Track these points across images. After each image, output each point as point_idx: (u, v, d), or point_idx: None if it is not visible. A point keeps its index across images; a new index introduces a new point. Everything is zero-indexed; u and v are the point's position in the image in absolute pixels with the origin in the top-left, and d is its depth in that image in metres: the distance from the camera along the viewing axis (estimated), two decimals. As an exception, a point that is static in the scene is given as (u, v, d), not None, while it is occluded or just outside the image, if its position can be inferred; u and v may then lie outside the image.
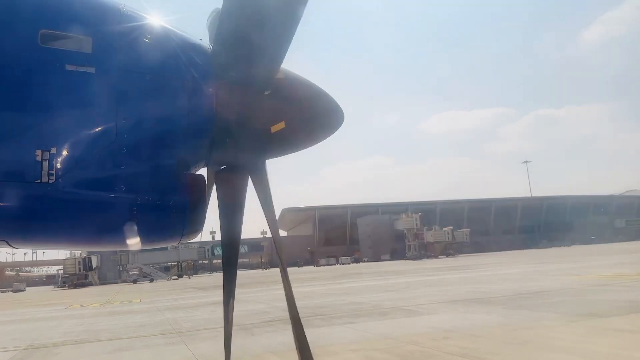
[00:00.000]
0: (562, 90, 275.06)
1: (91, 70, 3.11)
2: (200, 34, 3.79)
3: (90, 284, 79.31)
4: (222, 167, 3.98)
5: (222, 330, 4.15)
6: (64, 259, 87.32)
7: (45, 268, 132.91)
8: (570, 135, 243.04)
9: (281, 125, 3.84)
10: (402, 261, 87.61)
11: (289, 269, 4.00)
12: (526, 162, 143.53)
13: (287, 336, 11.34)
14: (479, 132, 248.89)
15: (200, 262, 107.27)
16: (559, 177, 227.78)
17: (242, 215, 3.90)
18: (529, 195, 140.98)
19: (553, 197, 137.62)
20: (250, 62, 3.51)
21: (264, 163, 3.84)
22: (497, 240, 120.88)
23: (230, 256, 3.99)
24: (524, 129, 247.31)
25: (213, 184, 3.94)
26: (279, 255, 3.89)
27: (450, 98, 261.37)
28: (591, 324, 9.90)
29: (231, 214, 3.85)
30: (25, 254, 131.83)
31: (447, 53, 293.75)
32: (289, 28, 3.41)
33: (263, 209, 3.77)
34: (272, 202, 3.78)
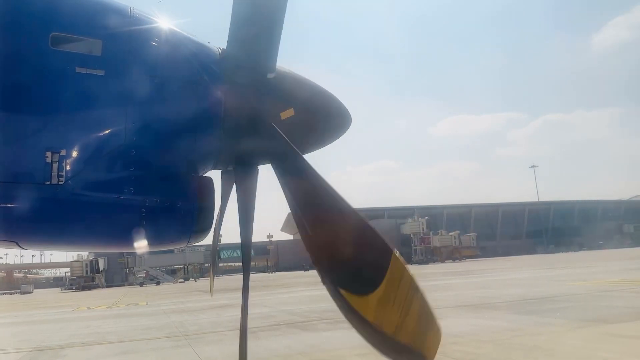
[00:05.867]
0: (572, 94, 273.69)
1: (101, 73, 3.14)
2: (208, 37, 3.81)
3: (97, 287, 79.52)
4: (228, 170, 4.00)
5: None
6: (71, 262, 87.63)
7: (53, 270, 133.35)
8: (579, 140, 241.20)
9: (290, 112, 3.83)
10: (408, 265, 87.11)
11: (294, 273, 4.02)
12: (533, 166, 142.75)
13: (293, 340, 11.34)
14: (488, 137, 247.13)
15: (207, 265, 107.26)
16: (567, 182, 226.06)
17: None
18: (536, 200, 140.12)
19: (561, 202, 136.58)
20: (259, 65, 3.53)
21: (257, 167, 3.88)
22: (504, 245, 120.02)
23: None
24: (533, 134, 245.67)
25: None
26: (244, 261, 3.90)
27: (460, 102, 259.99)
28: (599, 330, 9.82)
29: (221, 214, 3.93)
30: (33, 256, 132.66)
31: (457, 57, 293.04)
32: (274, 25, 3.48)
33: (243, 212, 3.80)
34: (253, 207, 3.81)
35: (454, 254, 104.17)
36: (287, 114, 3.81)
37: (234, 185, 3.87)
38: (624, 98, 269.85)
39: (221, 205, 3.94)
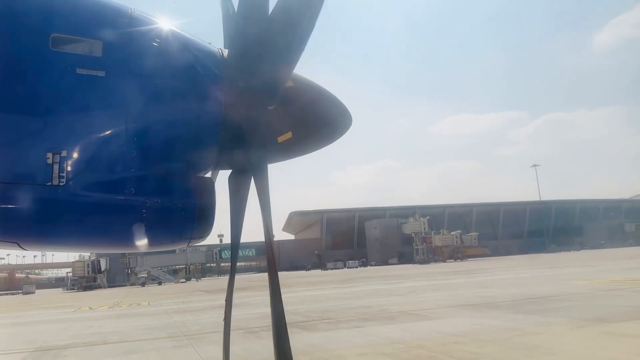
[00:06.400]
0: (574, 93, 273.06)
1: (101, 74, 3.14)
2: (209, 37, 3.81)
3: (98, 287, 79.55)
4: (231, 170, 3.99)
5: (231, 333, 4.13)
6: (73, 262, 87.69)
7: (55, 271, 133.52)
8: (581, 139, 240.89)
9: (288, 135, 3.86)
10: (410, 265, 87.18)
11: (296, 273, 4.01)
12: (535, 165, 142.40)
13: (295, 340, 11.30)
14: (489, 136, 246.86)
15: (208, 265, 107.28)
16: (568, 181, 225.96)
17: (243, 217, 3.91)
18: (538, 199, 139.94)
19: (562, 201, 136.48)
20: (261, 67, 3.53)
21: (266, 166, 3.84)
22: (506, 244, 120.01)
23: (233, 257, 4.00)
24: (535, 133, 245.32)
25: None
26: (271, 260, 3.86)
27: (461, 101, 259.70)
28: (601, 330, 9.80)
29: (236, 216, 3.86)
30: (34, 256, 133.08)
31: (458, 56, 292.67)
32: (305, 33, 3.46)
33: (263, 212, 3.76)
34: (270, 206, 3.77)
35: (456, 253, 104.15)
36: (285, 137, 3.84)
37: (248, 186, 3.83)
38: (626, 97, 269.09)
39: (236, 207, 3.79)
